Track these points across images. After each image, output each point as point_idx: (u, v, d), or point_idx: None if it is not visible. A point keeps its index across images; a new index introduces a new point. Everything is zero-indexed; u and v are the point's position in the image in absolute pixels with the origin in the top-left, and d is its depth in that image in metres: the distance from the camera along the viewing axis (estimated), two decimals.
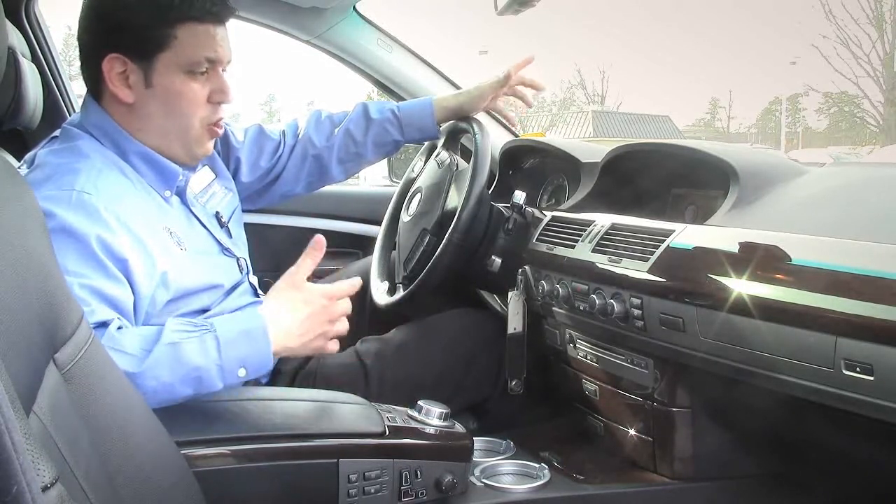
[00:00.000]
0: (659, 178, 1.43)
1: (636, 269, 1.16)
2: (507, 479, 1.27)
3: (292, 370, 1.36)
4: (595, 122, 30.40)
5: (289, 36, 1.87)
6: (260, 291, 1.33)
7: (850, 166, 2.24)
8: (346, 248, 2.09)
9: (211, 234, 1.24)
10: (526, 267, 1.44)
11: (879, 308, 0.82)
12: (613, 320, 1.20)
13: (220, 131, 1.21)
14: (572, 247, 1.33)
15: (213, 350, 0.95)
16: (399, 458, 1.00)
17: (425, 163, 1.64)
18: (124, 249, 1.01)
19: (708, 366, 1.07)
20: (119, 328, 0.95)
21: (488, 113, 1.69)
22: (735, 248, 1.03)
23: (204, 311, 1.17)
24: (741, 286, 0.98)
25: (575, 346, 1.40)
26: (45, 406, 0.58)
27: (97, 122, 1.14)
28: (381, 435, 1.00)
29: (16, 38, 1.54)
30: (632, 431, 1.31)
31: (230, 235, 1.30)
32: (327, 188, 1.64)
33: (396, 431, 1.02)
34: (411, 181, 1.67)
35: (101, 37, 1.12)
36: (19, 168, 1.13)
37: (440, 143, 1.58)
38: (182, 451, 0.86)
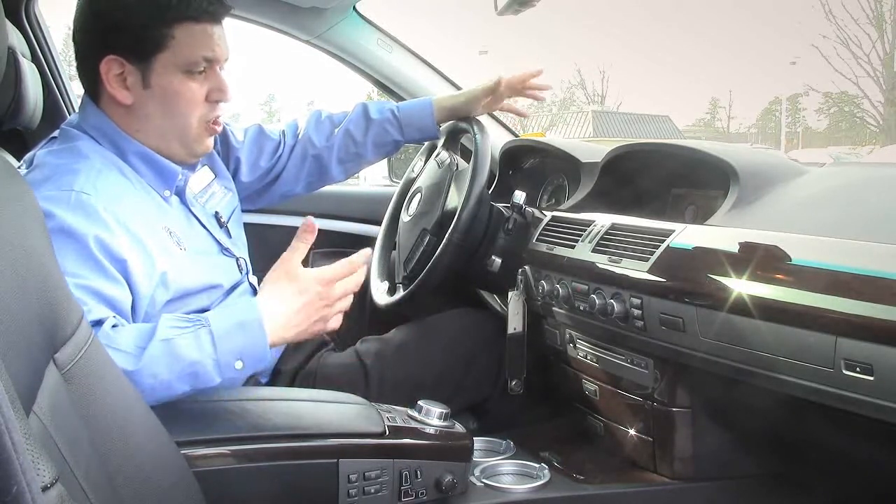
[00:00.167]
0: (659, 178, 1.43)
1: (636, 269, 1.16)
2: (507, 479, 1.27)
3: (292, 370, 1.36)
4: (595, 122, 30.40)
5: (289, 36, 1.87)
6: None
7: (850, 166, 2.24)
8: (346, 248, 2.08)
9: (210, 233, 1.24)
10: (526, 267, 1.44)
11: (879, 308, 0.82)
12: (613, 320, 1.20)
13: (219, 129, 1.21)
14: (572, 247, 1.33)
15: (208, 344, 0.94)
16: (399, 458, 1.00)
17: (425, 163, 1.64)
18: (123, 250, 1.01)
19: (708, 366, 1.07)
20: (114, 326, 0.95)
21: (489, 113, 1.69)
22: (735, 248, 1.03)
23: (204, 311, 1.16)
24: (741, 286, 0.98)
25: (575, 346, 1.40)
26: (45, 406, 0.58)
27: (95, 123, 1.14)
28: (381, 435, 1.00)
29: (16, 38, 1.54)
30: (632, 431, 1.31)
31: (229, 235, 1.30)
32: (327, 188, 1.64)
33: (396, 431, 1.02)
34: (411, 181, 1.67)
35: (98, 38, 1.12)
36: (18, 168, 1.13)
37: (440, 143, 1.58)
38: (182, 451, 0.86)
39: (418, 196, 1.57)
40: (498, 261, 1.45)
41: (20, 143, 1.61)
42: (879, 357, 0.82)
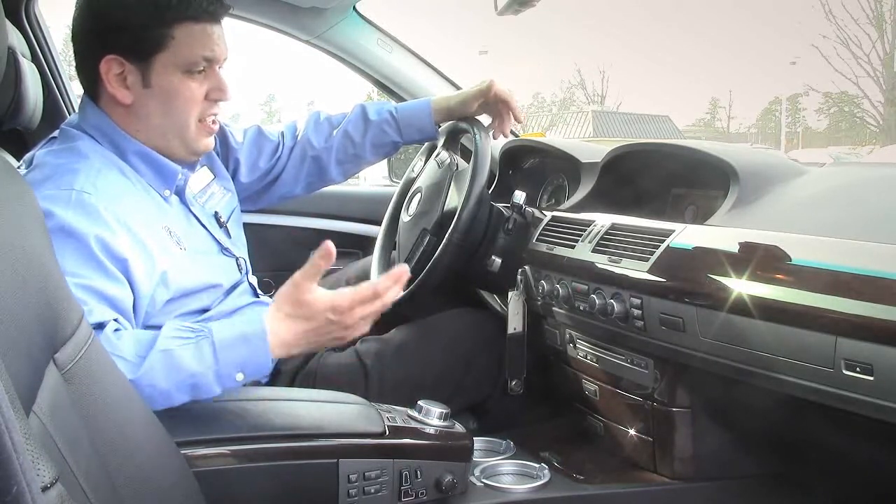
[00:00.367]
0: (659, 178, 1.43)
1: (636, 269, 1.16)
2: (507, 479, 1.27)
3: (292, 370, 1.36)
4: (595, 122, 30.41)
5: (289, 36, 1.87)
6: (259, 291, 1.33)
7: (850, 166, 2.24)
8: (346, 248, 2.08)
9: (210, 233, 1.24)
10: (526, 267, 1.44)
11: (879, 308, 0.82)
12: (613, 320, 1.20)
13: (216, 127, 1.21)
14: (572, 247, 1.33)
15: (209, 356, 0.94)
16: (399, 458, 1.00)
17: (425, 163, 1.64)
18: (124, 249, 1.01)
19: (708, 366, 1.07)
20: (116, 330, 0.95)
21: (487, 114, 1.69)
22: (735, 248, 1.03)
23: (204, 310, 1.17)
24: (741, 286, 0.98)
25: (575, 346, 1.40)
26: (45, 406, 0.58)
27: (95, 122, 1.14)
28: (381, 435, 1.00)
29: (16, 38, 1.54)
30: (632, 431, 1.31)
31: (229, 235, 1.30)
32: (327, 188, 1.64)
33: (396, 431, 1.02)
34: (411, 181, 1.67)
35: (97, 38, 1.12)
36: (18, 168, 1.13)
37: (440, 143, 1.58)
38: (182, 451, 0.86)
39: (418, 196, 1.57)
40: (498, 261, 1.45)
41: (20, 143, 1.61)
42: (879, 357, 0.82)
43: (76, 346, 0.69)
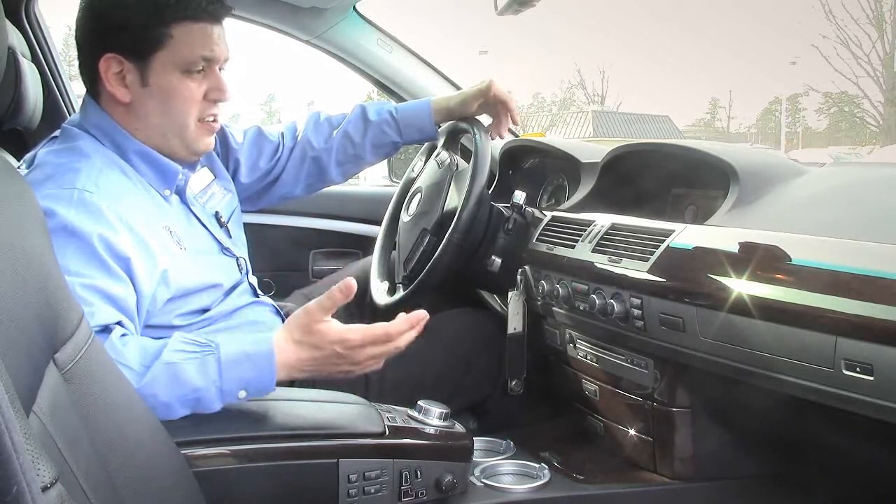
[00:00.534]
0: (659, 178, 1.43)
1: (636, 269, 1.16)
2: (507, 479, 1.27)
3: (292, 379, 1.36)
4: (595, 122, 30.41)
5: (289, 36, 1.87)
6: (259, 291, 1.33)
7: (850, 166, 2.24)
8: (346, 248, 2.09)
9: (210, 233, 1.24)
10: (526, 267, 1.44)
11: (879, 308, 0.82)
12: (613, 320, 1.20)
13: (217, 126, 1.21)
14: (572, 247, 1.33)
15: (214, 372, 0.93)
16: (399, 458, 1.00)
17: (425, 163, 1.64)
18: (126, 248, 1.01)
19: (708, 366, 1.07)
20: (123, 336, 0.95)
21: (488, 114, 1.69)
22: (735, 248, 1.03)
23: (204, 310, 1.17)
24: (741, 286, 0.98)
25: (575, 346, 1.40)
26: (45, 406, 0.58)
27: (97, 121, 1.14)
28: (381, 435, 1.00)
29: (16, 38, 1.54)
30: (632, 431, 1.31)
31: (229, 235, 1.30)
32: (327, 188, 1.64)
33: (396, 431, 1.02)
34: (411, 181, 1.67)
35: (97, 37, 1.12)
36: (19, 168, 1.13)
37: (440, 143, 1.58)
38: (182, 451, 0.86)
39: (418, 196, 1.57)
40: (498, 261, 1.45)
41: (20, 143, 1.61)
42: (879, 357, 0.82)
43: (76, 346, 0.69)
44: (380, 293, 1.56)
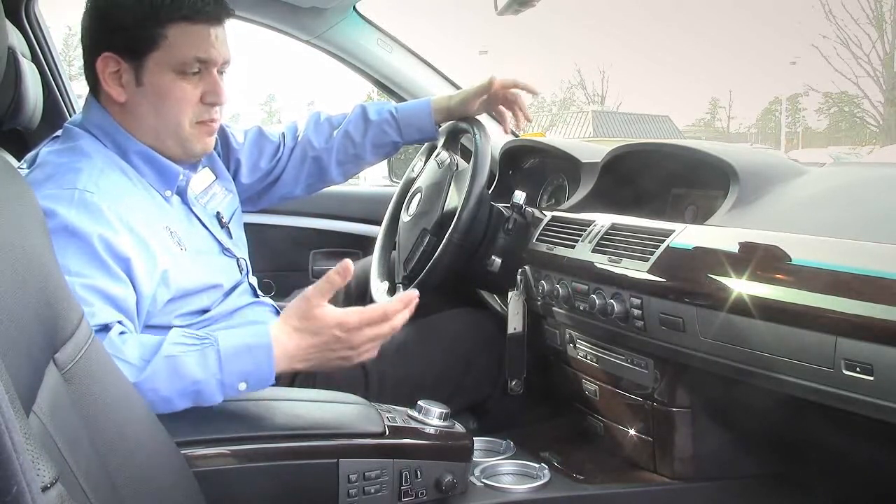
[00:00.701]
0: (659, 178, 1.43)
1: (636, 269, 1.16)
2: (507, 479, 1.27)
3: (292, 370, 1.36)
4: (595, 122, 30.41)
5: (289, 36, 1.87)
6: (259, 292, 1.33)
7: (850, 166, 2.24)
8: (346, 248, 2.09)
9: (211, 234, 1.24)
10: (526, 267, 1.44)
11: (879, 308, 0.82)
12: (613, 320, 1.20)
13: (215, 126, 1.21)
14: (572, 247, 1.33)
15: (214, 364, 0.93)
16: (399, 458, 1.00)
17: (425, 163, 1.64)
18: (126, 248, 1.01)
19: (708, 366, 1.07)
20: (121, 333, 0.95)
21: (489, 113, 1.69)
22: (735, 248, 1.03)
23: (204, 311, 1.17)
24: (741, 286, 0.98)
25: (575, 346, 1.40)
26: (45, 406, 0.58)
27: (98, 121, 1.14)
28: (381, 435, 1.00)
29: (16, 38, 1.54)
30: (632, 431, 1.31)
31: (230, 236, 1.30)
32: (327, 188, 1.64)
33: (396, 431, 1.02)
34: (411, 181, 1.67)
35: (96, 36, 1.13)
36: (19, 168, 1.13)
37: (440, 143, 1.58)
38: (182, 451, 0.86)
39: (418, 196, 1.57)
40: (498, 261, 1.45)
41: (20, 143, 1.61)
42: (879, 357, 0.82)
43: (76, 345, 0.69)
44: (380, 293, 1.56)
